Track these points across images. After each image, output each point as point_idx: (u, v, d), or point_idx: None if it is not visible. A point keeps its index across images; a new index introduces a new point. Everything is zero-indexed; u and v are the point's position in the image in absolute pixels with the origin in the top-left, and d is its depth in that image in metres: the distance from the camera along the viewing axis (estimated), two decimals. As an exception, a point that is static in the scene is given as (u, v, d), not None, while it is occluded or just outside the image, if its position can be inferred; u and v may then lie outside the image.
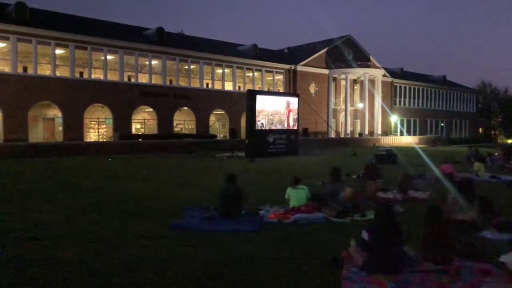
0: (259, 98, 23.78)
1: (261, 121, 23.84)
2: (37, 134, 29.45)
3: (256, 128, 23.48)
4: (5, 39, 26.74)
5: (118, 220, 7.13)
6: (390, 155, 19.56)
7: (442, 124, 60.23)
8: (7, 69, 27.43)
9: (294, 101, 25.89)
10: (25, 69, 27.88)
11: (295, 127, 25.94)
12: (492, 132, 73.65)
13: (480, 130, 70.11)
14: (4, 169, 15.29)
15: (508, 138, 73.18)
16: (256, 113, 23.36)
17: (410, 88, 55.54)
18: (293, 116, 25.62)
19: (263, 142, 23.74)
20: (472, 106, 66.50)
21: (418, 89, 56.65)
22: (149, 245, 5.60)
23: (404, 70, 57.68)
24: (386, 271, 4.35)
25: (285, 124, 25.09)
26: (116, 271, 4.50)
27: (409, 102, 55.74)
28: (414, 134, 53.45)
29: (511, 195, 10.12)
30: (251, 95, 23.75)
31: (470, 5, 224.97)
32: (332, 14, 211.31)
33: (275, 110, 24.52)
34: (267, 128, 24.06)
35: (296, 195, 7.69)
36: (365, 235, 4.63)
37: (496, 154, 19.70)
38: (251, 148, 23.18)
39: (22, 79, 27.15)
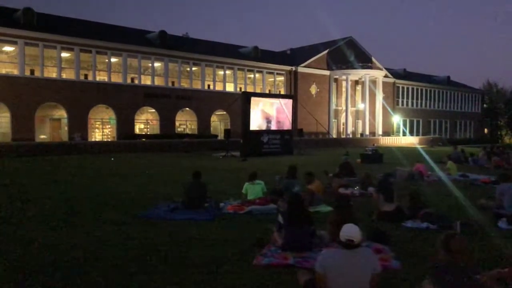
0: (254, 100, 24.69)
1: (256, 122, 24.73)
2: (43, 134, 30.74)
3: (251, 128, 24.38)
4: (14, 43, 28.10)
5: (93, 210, 8.08)
6: (376, 155, 20.27)
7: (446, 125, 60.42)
8: (15, 71, 28.80)
9: (288, 103, 26.73)
10: (32, 71, 29.19)
11: (290, 128, 26.77)
12: (499, 133, 73.34)
13: (486, 130, 69.96)
14: (6, 166, 16.43)
15: (515, 138, 72.86)
16: (251, 114, 24.27)
17: (413, 89, 55.88)
18: (287, 117, 26.44)
19: (258, 142, 24.60)
20: (477, 106, 66.47)
21: (421, 90, 56.96)
22: (112, 230, 6.54)
23: (407, 70, 58.04)
24: (296, 249, 5.21)
25: (280, 125, 25.92)
26: (74, 247, 5.44)
27: (412, 102, 56.08)
28: (417, 135, 53.81)
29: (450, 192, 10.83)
30: (246, 97, 24.66)
31: (475, 5, 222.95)
32: (336, 15, 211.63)
33: (269, 111, 25.39)
34: (261, 129, 24.94)
35: (252, 189, 8.59)
36: (280, 218, 5.51)
37: (479, 154, 20.27)
38: (246, 147, 24.07)
39: (29, 81, 28.47)
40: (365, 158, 20.11)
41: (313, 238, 5.43)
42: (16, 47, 28.44)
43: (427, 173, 13.97)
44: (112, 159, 21.47)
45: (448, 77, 63.49)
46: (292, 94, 40.08)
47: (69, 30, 30.48)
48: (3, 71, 29.11)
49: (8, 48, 29.23)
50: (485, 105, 70.68)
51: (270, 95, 30.20)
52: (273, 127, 25.59)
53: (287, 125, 26.41)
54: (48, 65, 30.63)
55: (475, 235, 6.23)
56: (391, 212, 7.13)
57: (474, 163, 19.03)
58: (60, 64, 29.84)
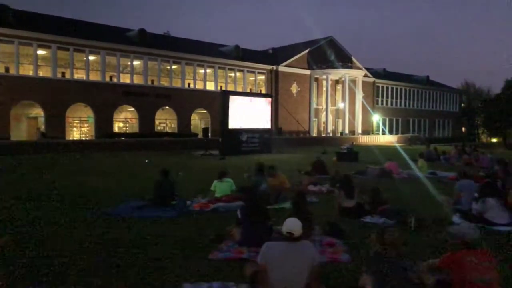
0: (232, 99, 24.78)
1: (235, 120, 24.82)
2: (20, 132, 30.26)
3: (230, 127, 24.47)
4: (-12, 40, 27.59)
5: (60, 208, 8.10)
6: (351, 153, 20.62)
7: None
8: (-11, 69, 28.28)
9: (268, 102, 26.91)
10: (7, 69, 28.69)
11: (269, 126, 26.96)
12: (476, 132, 74.99)
13: (463, 129, 71.50)
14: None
15: (492, 137, 74.51)
16: (230, 113, 24.36)
17: (392, 88, 56.74)
18: (266, 115, 26.62)
19: (237, 141, 24.71)
20: (455, 106, 67.91)
21: (401, 89, 57.87)
22: (74, 226, 6.59)
23: (387, 70, 58.86)
24: (253, 244, 5.35)
25: (259, 124, 26.07)
26: (30, 242, 5.50)
27: (392, 102, 56.94)
28: (397, 133, 54.67)
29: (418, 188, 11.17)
30: (224, 96, 24.75)
31: (455, 6, 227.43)
32: (318, 15, 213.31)
33: (249, 110, 25.50)
34: (240, 127, 25.05)
35: (220, 187, 8.73)
36: (238, 213, 5.66)
37: (451, 152, 20.80)
38: (225, 146, 24.15)
39: (4, 79, 27.97)
40: (341, 156, 20.45)
41: (270, 234, 5.59)
42: (-10, 44, 27.95)
43: (398, 171, 14.32)
44: (78, 157, 21.33)
45: (427, 76, 64.65)
46: (272, 93, 40.32)
47: (45, 27, 30.06)
48: (-23, 69, 28.60)
49: (-18, 45, 28.69)
50: (462, 105, 72.19)
51: (249, 94, 30.35)
52: (252, 126, 25.72)
53: (266, 124, 26.59)
54: (24, 63, 30.15)
55: (429, 229, 6.49)
56: (351, 208, 7.36)
57: (445, 161, 19.52)
58: (36, 62, 29.39)
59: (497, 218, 6.63)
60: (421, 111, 60.91)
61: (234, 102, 24.65)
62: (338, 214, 7.45)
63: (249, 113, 25.50)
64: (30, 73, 29.82)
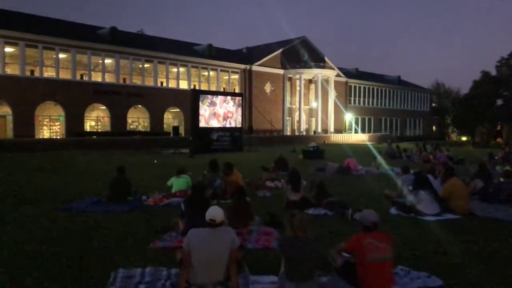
0: (203, 97, 25.01)
1: (206, 119, 25.07)
2: (-14, 131, 29.76)
3: (201, 125, 24.70)
4: (-48, 37, 27.00)
5: (14, 204, 8.25)
6: (317, 151, 21.18)
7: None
8: (-46, 66, 27.67)
9: (238, 101, 27.24)
10: (-27, 67, 28.18)
11: (240, 125, 27.32)
12: (446, 130, 77.19)
13: (434, 128, 73.53)
14: None
15: (461, 136, 76.86)
16: (201, 111, 24.59)
17: (364, 88, 57.93)
18: (237, 114, 26.96)
19: (207, 139, 24.94)
20: (426, 105, 69.80)
21: (373, 89, 59.14)
22: (24, 221, 6.80)
23: (359, 70, 60.04)
24: (193, 234, 5.69)
25: (230, 122, 26.40)
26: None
27: (364, 101, 58.14)
28: (369, 132, 55.89)
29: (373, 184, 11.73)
30: (195, 95, 24.96)
31: (426, 4, 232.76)
32: (292, 15, 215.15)
33: (219, 108, 25.79)
34: (211, 126, 25.31)
35: (177, 183, 9.05)
36: (182, 206, 5.99)
37: (413, 150, 21.62)
38: (195, 144, 24.36)
39: (-30, 76, 27.46)
40: (307, 154, 20.98)
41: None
42: (-45, 41, 27.37)
43: (356, 168, 14.88)
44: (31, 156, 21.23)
45: (399, 76, 66.23)
46: (245, 92, 40.75)
47: (14, 24, 29.59)
48: None
49: None
50: (433, 104, 74.20)
51: (220, 93, 30.57)
52: (223, 124, 26.02)
53: (237, 122, 26.93)
54: (-9, 60, 29.63)
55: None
56: (297, 201, 7.78)
57: (407, 158, 20.28)
58: (3, 59, 28.92)
59: (428, 209, 7.16)
60: (393, 110, 62.39)
61: (205, 101, 24.90)
62: (285, 207, 7.86)
63: (220, 112, 25.81)
64: (-3, 70, 29.33)
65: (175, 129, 26.70)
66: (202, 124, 24.66)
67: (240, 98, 27.86)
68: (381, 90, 60.39)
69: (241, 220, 6.14)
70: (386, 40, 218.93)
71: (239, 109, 27.12)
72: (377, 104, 59.94)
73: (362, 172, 14.59)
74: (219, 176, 9.25)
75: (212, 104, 25.40)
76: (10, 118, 30.24)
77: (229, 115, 26.46)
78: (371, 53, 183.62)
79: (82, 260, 4.89)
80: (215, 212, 4.10)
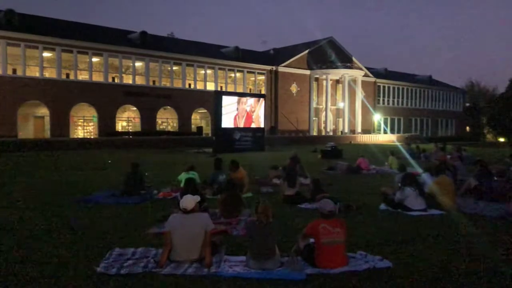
0: (225, 99, 25.84)
1: (229, 120, 25.88)
2: (27, 131, 31.73)
3: (223, 126, 25.54)
4: (-5, 43, 29.10)
5: (40, 195, 9.23)
6: (335, 151, 21.54)
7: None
8: (-2, 71, 29.78)
9: (261, 101, 27.91)
10: (14, 71, 30.18)
11: (262, 125, 27.98)
12: (481, 131, 74.80)
13: (468, 128, 71.51)
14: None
15: (498, 137, 74.28)
16: (224, 112, 25.43)
17: (393, 88, 57.25)
18: (260, 115, 27.62)
19: (230, 139, 25.76)
20: (459, 105, 68.04)
21: (402, 89, 58.35)
22: (44, 209, 7.71)
23: (388, 70, 59.38)
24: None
25: (252, 123, 27.10)
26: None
27: (393, 101, 57.47)
28: (398, 133, 55.19)
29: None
30: (218, 96, 25.83)
31: (459, 5, 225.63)
32: (321, 15, 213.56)
33: (242, 109, 26.55)
34: (233, 126, 26.10)
35: (185, 179, 9.76)
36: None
37: (432, 151, 21.56)
38: (218, 144, 25.21)
39: (11, 80, 29.47)
40: (325, 154, 21.38)
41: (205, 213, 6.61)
42: (-2, 47, 29.43)
43: (368, 167, 15.21)
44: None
45: (430, 76, 64.95)
46: (271, 93, 41.40)
47: (50, 30, 31.47)
48: (-14, 71, 30.06)
49: (-10, 48, 30.19)
50: (467, 104, 72.20)
51: (242, 94, 31.35)
52: (246, 124, 26.75)
53: (259, 123, 27.60)
54: (31, 65, 31.60)
55: (353, 213, 7.47)
56: (292, 195, 8.34)
57: (425, 159, 20.28)
58: (42, 63, 30.84)
59: (414, 205, 7.55)
60: (424, 110, 61.29)
61: (228, 102, 25.71)
62: (281, 201, 8.43)
63: (243, 113, 26.55)
64: (36, 74, 31.27)
65: (199, 129, 27.59)
66: (225, 124, 25.50)
67: (263, 98, 28.49)
68: (411, 90, 59.47)
69: (232, 210, 6.78)
70: (417, 40, 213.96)
71: (262, 110, 27.76)
72: (407, 104, 59.09)
73: (373, 172, 14.89)
74: (222, 173, 9.94)
75: (235, 105, 26.17)
76: (47, 119, 32.17)
77: (252, 115, 27.15)
78: (401, 53, 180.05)
79: (91, 239, 5.67)
80: (185, 203, 4.80)
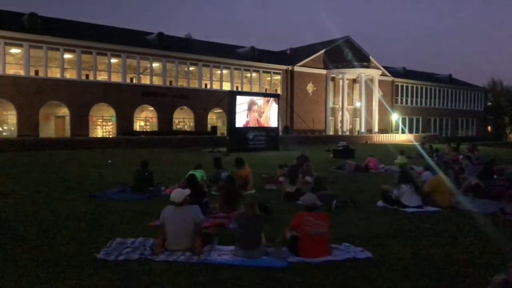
0: (239, 98, 26.22)
1: (243, 119, 26.25)
2: (48, 130, 32.78)
3: (237, 125, 25.92)
4: (19, 46, 30.20)
5: (59, 190, 9.75)
6: (347, 150, 21.63)
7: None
8: (21, 72, 30.86)
9: (270, 102, 28.14)
10: (36, 72, 31.25)
11: (275, 125, 28.25)
12: (504, 131, 73.25)
13: (489, 128, 70.10)
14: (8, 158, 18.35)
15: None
16: (238, 112, 25.81)
17: (412, 87, 56.63)
18: (273, 114, 27.90)
19: (243, 138, 26.11)
20: (480, 104, 66.72)
21: (421, 88, 57.65)
22: (60, 203, 8.18)
23: (406, 69, 58.75)
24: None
25: (266, 122, 27.40)
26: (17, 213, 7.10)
27: (411, 100, 56.84)
28: (417, 132, 54.54)
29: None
30: (232, 96, 26.22)
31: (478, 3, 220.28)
32: (337, 14, 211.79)
33: (256, 109, 26.88)
34: (247, 126, 26.45)
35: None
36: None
37: (446, 150, 21.45)
38: (232, 143, 25.61)
39: (34, 81, 30.53)
40: (337, 153, 21.51)
41: (206, 208, 6.96)
42: (21, 50, 30.52)
43: (377, 166, 15.33)
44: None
45: (450, 75, 63.94)
46: (287, 93, 41.57)
47: (71, 32, 32.43)
48: (10, 72, 31.11)
49: (14, 50, 31.35)
50: (489, 103, 70.77)
51: (256, 94, 31.69)
52: (259, 124, 27.07)
53: (273, 122, 27.88)
54: (52, 66, 32.63)
55: (348, 209, 7.70)
56: (292, 192, 8.61)
57: (438, 159, 20.19)
58: (63, 65, 31.85)
59: (410, 202, 7.73)
60: (443, 110, 60.40)
61: (241, 102, 26.07)
62: (283, 197, 8.73)
63: (256, 113, 26.87)
64: (57, 75, 32.27)
65: (214, 128, 28.05)
66: (238, 124, 25.86)
67: (277, 98, 28.75)
68: (430, 89, 58.70)
69: (230, 205, 7.10)
70: (436, 38, 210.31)
71: (274, 110, 28.02)
72: (426, 104, 58.37)
73: (382, 171, 15.00)
74: (224, 170, 10.32)
75: (249, 104, 26.52)
76: (68, 119, 33.17)
77: (266, 115, 27.44)
78: (420, 52, 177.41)
79: (97, 231, 6.09)
80: (174, 196, 5.17)
